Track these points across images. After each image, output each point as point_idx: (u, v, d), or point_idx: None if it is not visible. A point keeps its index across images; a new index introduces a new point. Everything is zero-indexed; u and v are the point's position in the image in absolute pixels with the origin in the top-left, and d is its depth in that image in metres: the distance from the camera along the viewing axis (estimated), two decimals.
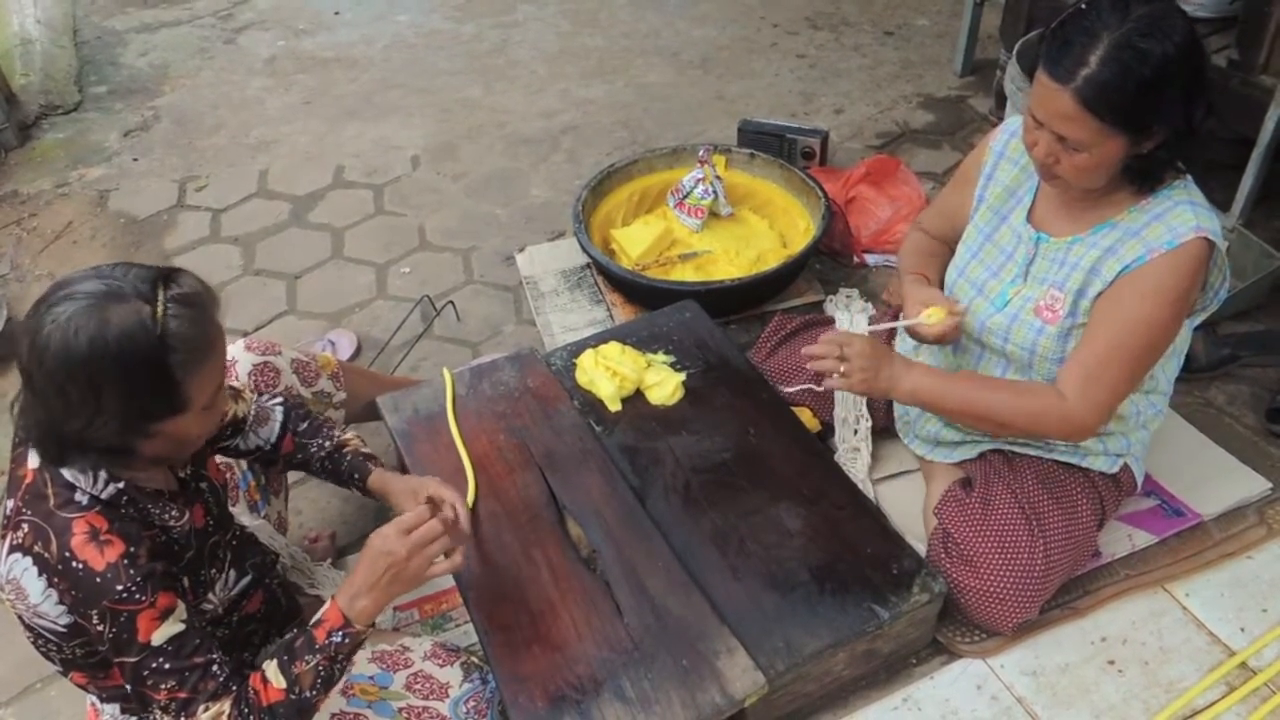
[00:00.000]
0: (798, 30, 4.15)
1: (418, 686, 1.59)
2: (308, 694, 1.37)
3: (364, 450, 1.78)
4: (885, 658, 1.81)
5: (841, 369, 1.73)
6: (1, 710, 1.92)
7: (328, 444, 1.76)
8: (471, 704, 1.59)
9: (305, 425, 1.78)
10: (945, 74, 3.81)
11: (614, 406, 2.07)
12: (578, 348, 2.21)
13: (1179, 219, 1.58)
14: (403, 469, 2.11)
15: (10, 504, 1.32)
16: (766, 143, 3.08)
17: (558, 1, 4.47)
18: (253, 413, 1.73)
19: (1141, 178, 1.60)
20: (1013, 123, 1.82)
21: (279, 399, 1.78)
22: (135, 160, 3.52)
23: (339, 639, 1.39)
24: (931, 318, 1.79)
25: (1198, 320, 1.75)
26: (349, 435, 1.80)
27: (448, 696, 1.58)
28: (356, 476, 1.75)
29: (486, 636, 1.67)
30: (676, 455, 1.97)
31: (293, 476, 2.26)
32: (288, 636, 1.43)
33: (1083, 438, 1.74)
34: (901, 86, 3.75)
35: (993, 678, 1.82)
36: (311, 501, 2.28)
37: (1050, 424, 1.70)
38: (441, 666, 1.62)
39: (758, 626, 1.67)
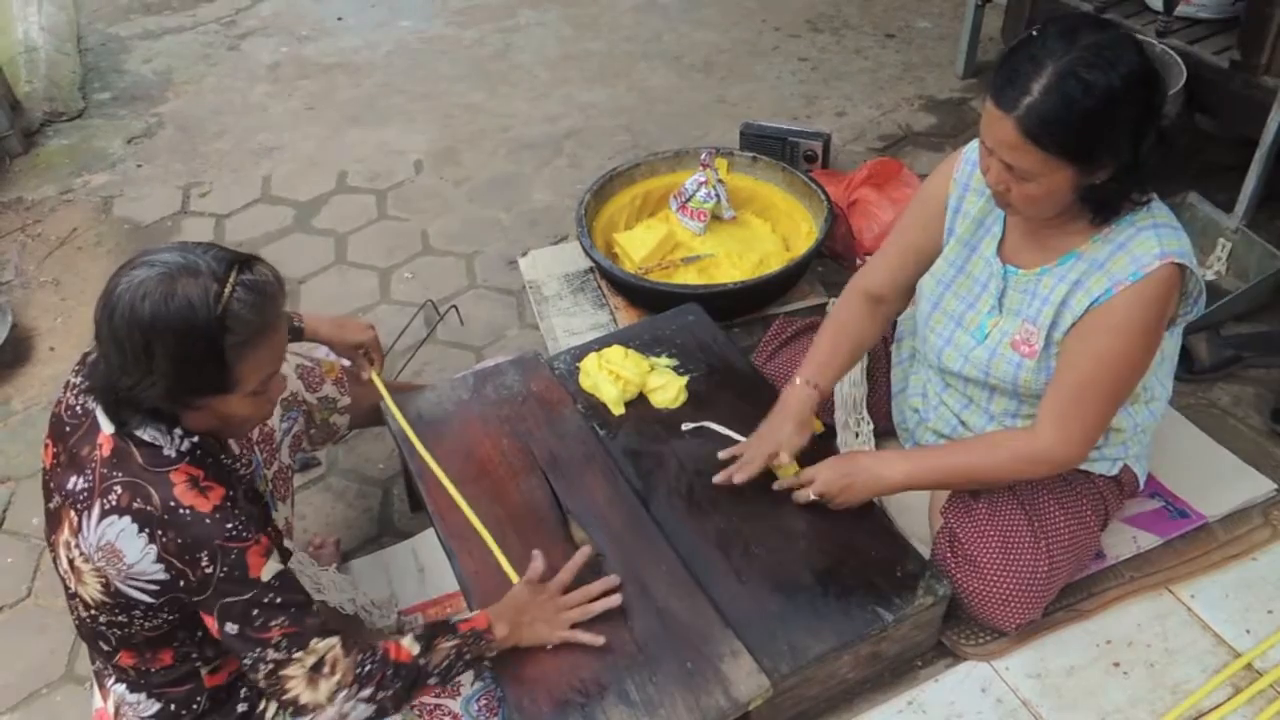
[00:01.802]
0: (799, 33, 4.16)
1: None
2: (430, 669, 1.49)
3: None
4: (890, 660, 1.81)
5: (813, 491, 1.78)
6: (6, 716, 1.92)
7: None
8: (483, 702, 1.60)
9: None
10: (947, 76, 3.81)
11: (617, 410, 2.07)
12: (581, 351, 2.21)
13: (1142, 247, 1.57)
14: (406, 472, 2.12)
15: (87, 477, 1.36)
16: (768, 146, 3.08)
17: (559, 6, 4.48)
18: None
19: (1096, 208, 1.58)
20: (971, 152, 1.79)
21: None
22: (139, 166, 3.53)
23: (475, 639, 1.53)
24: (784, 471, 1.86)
25: (1179, 327, 1.75)
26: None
27: (459, 694, 1.59)
28: (292, 337, 1.86)
29: None
30: (680, 458, 1.97)
31: (297, 480, 2.27)
32: (428, 622, 1.58)
33: (1067, 469, 1.75)
34: (903, 89, 3.75)
35: (998, 680, 1.81)
36: (315, 508, 2.28)
37: (1033, 470, 1.74)
38: None
39: (762, 629, 1.67)
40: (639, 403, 2.10)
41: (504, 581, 1.74)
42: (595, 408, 2.09)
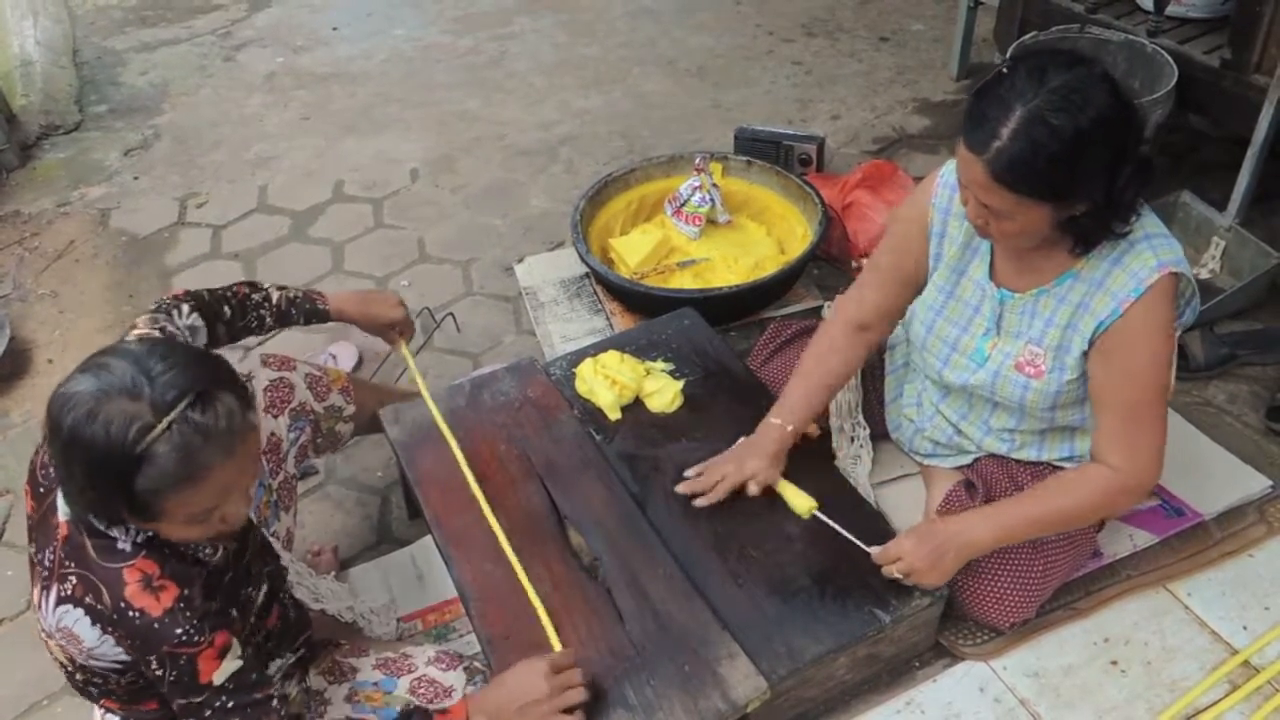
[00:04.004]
0: (793, 37, 4.17)
1: (422, 690, 1.60)
2: None
3: (296, 295, 1.87)
4: (887, 661, 1.81)
5: (899, 574, 1.69)
6: None
7: (269, 317, 1.82)
8: None
9: (229, 314, 1.75)
10: (941, 78, 3.82)
11: (614, 415, 2.08)
12: (577, 357, 2.21)
13: (1138, 261, 1.57)
14: (405, 480, 2.12)
15: (50, 553, 1.33)
16: (763, 150, 3.09)
17: (554, 13, 4.49)
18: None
19: (1076, 239, 1.59)
20: (948, 174, 1.77)
21: (195, 313, 1.68)
22: (136, 178, 3.54)
23: None
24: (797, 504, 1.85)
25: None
26: (272, 292, 1.83)
27: (451, 700, 1.58)
28: (315, 320, 1.91)
29: (489, 646, 1.68)
30: (676, 462, 1.97)
31: (299, 488, 2.27)
32: (405, 709, 1.51)
33: (1151, 489, 1.73)
34: (897, 91, 3.76)
35: (995, 680, 1.82)
36: (314, 515, 2.28)
37: (1122, 500, 1.72)
38: (445, 670, 1.63)
39: (759, 632, 1.67)
40: (635, 407, 2.11)
41: (504, 588, 1.75)
42: (592, 413, 2.09)
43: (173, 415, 1.17)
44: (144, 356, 1.20)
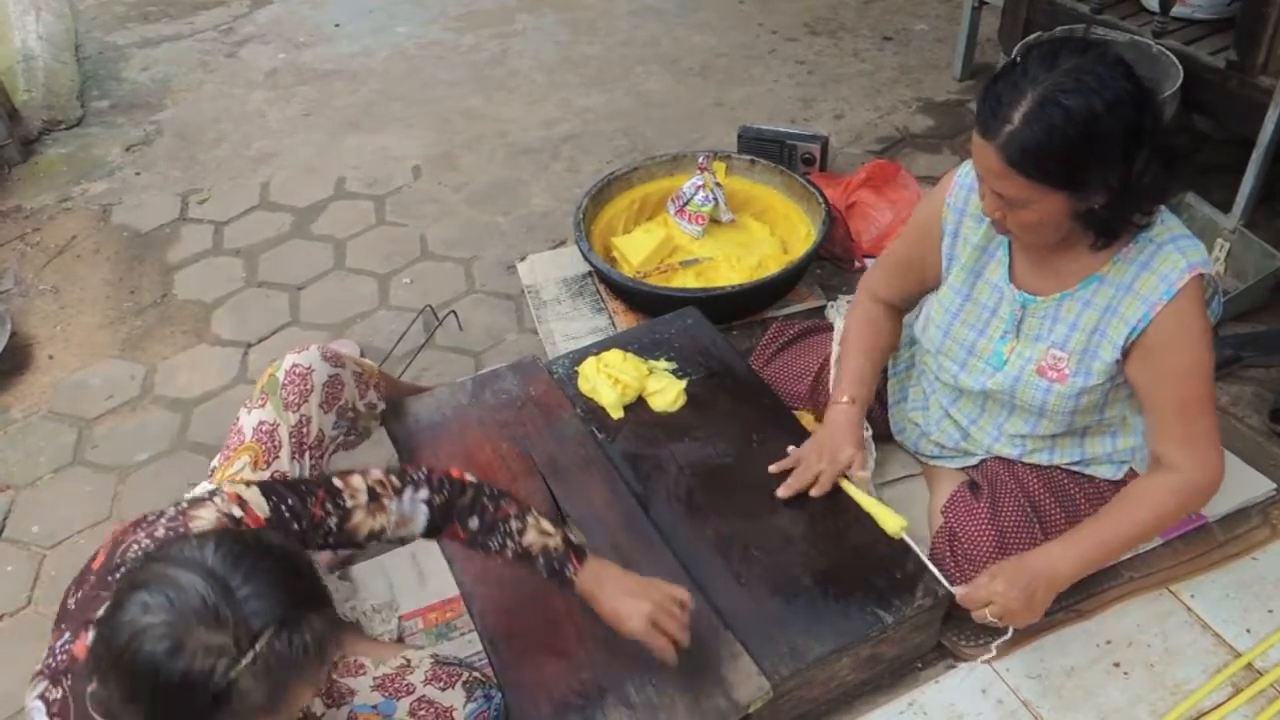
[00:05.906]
0: (796, 36, 4.16)
1: (422, 713, 1.57)
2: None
3: (557, 549, 1.55)
4: (890, 662, 1.81)
5: (992, 617, 1.64)
6: None
7: (510, 546, 1.53)
8: None
9: (475, 521, 1.53)
10: (944, 78, 3.81)
11: (616, 414, 2.08)
12: (579, 355, 2.21)
13: (1167, 264, 1.56)
14: None
15: (60, 656, 1.24)
16: (766, 149, 3.08)
17: (556, 11, 4.48)
18: (392, 522, 1.49)
19: (1097, 232, 1.57)
20: (964, 175, 1.76)
21: (422, 496, 1.50)
22: (137, 174, 3.53)
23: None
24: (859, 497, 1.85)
25: None
26: (529, 533, 1.54)
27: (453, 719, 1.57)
28: (558, 584, 1.57)
29: (491, 645, 1.67)
30: (679, 462, 1.97)
31: None
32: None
33: (1217, 488, 1.69)
34: (901, 91, 3.76)
35: (998, 681, 1.81)
36: None
37: (1195, 501, 1.70)
38: (444, 690, 1.60)
39: (762, 632, 1.67)
40: (638, 406, 2.10)
41: (503, 583, 1.74)
42: (594, 411, 2.09)
43: (258, 647, 1.05)
44: (221, 571, 1.07)
